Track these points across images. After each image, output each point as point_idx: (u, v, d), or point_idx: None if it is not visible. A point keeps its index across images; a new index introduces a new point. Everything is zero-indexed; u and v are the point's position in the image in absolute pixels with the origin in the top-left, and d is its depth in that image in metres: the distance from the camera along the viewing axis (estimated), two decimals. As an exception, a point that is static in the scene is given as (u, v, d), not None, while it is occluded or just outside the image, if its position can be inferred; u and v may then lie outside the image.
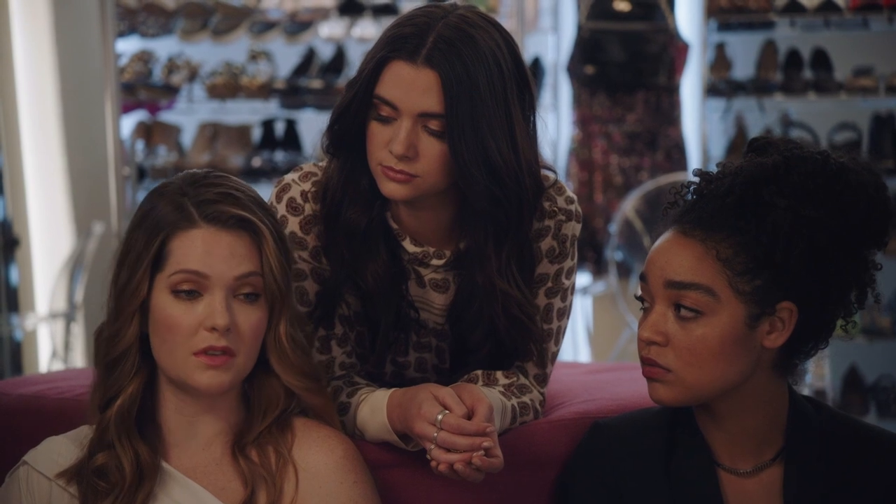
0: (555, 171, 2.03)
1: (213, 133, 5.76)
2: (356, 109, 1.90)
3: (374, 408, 1.92)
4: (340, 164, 1.97)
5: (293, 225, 1.98)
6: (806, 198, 1.74)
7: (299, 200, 1.99)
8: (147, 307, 1.78)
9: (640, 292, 1.83)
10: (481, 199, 1.89)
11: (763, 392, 1.82)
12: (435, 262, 2.01)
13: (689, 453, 1.85)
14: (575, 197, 2.05)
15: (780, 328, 1.77)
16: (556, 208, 2.01)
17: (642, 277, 1.82)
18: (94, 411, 1.83)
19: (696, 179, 1.83)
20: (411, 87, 1.86)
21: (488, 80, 1.86)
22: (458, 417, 1.79)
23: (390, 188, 1.90)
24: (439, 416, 1.80)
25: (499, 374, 2.01)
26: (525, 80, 1.92)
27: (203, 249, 1.76)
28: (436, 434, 1.79)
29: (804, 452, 1.83)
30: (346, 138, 1.94)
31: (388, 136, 1.88)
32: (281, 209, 1.98)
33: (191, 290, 1.76)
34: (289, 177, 2.02)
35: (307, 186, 1.99)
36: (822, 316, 1.79)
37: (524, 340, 1.99)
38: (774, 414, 1.84)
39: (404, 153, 1.86)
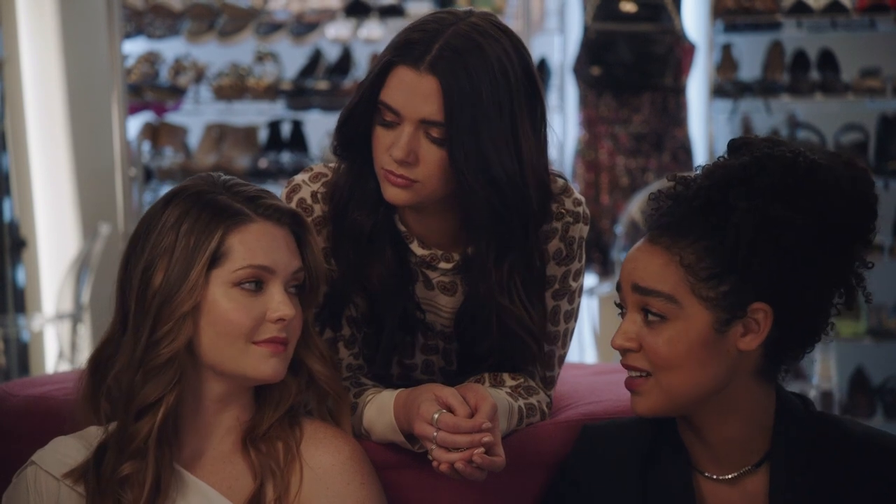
0: (564, 178, 2.02)
1: (219, 134, 5.76)
2: (361, 112, 1.91)
3: (382, 408, 1.92)
4: (348, 166, 1.97)
5: (302, 226, 1.98)
6: (773, 198, 1.71)
7: (309, 201, 1.99)
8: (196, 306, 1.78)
9: (618, 300, 1.83)
10: (481, 210, 1.88)
11: (744, 400, 1.78)
12: (443, 265, 2.01)
13: (668, 461, 1.83)
14: (583, 199, 2.05)
15: (756, 329, 1.74)
16: (563, 210, 2.01)
17: (618, 286, 1.83)
18: (93, 415, 1.84)
19: (671, 184, 1.81)
20: (413, 94, 1.85)
21: (492, 91, 1.85)
22: (454, 416, 1.79)
23: (391, 192, 1.90)
24: (435, 416, 1.80)
25: (505, 375, 2.01)
26: (536, 90, 1.90)
27: (266, 243, 1.79)
28: (435, 434, 1.79)
29: (790, 459, 1.78)
30: (354, 140, 1.94)
31: (391, 141, 1.88)
32: (290, 210, 1.99)
33: (257, 280, 1.78)
34: (299, 177, 2.02)
35: (317, 187, 1.99)
36: (803, 315, 1.75)
37: (522, 357, 1.98)
38: (758, 421, 1.79)
39: (404, 158, 1.86)
